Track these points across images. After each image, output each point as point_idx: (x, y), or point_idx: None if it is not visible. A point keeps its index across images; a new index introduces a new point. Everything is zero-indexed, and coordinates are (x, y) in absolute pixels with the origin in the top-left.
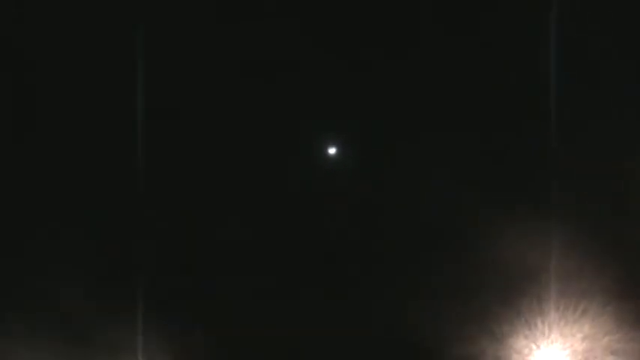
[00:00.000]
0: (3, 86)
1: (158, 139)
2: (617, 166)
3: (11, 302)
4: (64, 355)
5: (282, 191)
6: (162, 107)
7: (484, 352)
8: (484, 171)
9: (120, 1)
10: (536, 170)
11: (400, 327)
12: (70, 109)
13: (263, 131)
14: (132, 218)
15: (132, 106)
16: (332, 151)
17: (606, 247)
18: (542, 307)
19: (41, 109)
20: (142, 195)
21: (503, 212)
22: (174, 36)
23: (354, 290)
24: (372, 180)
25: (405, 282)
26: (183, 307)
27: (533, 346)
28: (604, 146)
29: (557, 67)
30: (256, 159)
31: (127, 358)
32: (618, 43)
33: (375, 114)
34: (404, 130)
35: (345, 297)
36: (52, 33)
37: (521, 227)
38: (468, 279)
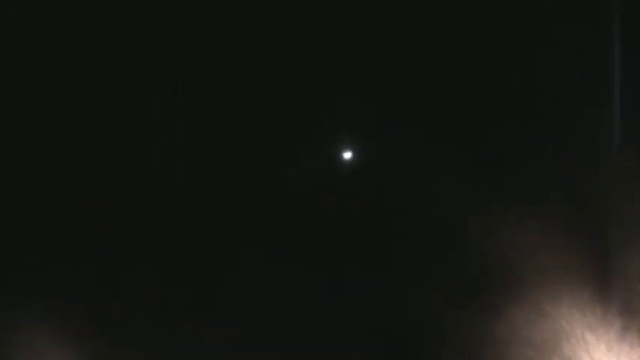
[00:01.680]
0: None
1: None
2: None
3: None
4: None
5: (285, 193)
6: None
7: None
8: (484, 171)
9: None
10: (536, 170)
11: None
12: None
13: (261, 132)
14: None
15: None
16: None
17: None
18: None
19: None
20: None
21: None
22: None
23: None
24: (371, 180)
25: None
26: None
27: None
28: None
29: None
30: (255, 160)
31: None
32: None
33: (374, 114)
34: (403, 130)
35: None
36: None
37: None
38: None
